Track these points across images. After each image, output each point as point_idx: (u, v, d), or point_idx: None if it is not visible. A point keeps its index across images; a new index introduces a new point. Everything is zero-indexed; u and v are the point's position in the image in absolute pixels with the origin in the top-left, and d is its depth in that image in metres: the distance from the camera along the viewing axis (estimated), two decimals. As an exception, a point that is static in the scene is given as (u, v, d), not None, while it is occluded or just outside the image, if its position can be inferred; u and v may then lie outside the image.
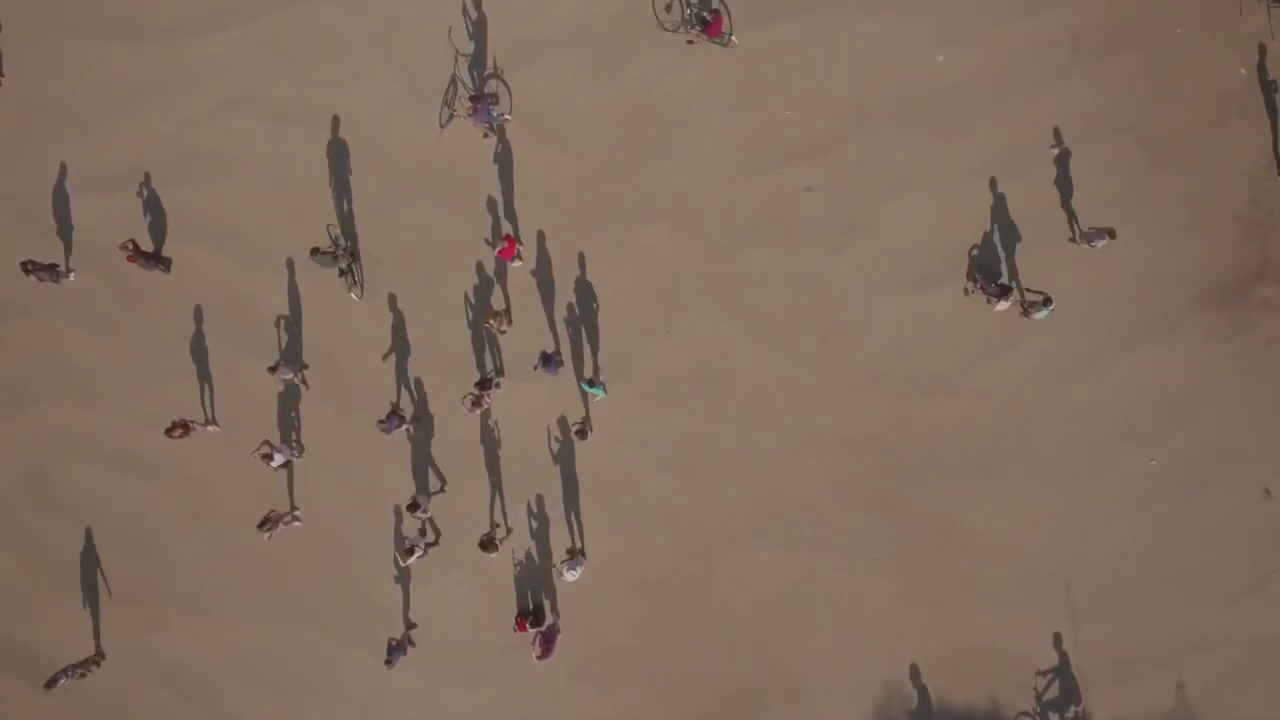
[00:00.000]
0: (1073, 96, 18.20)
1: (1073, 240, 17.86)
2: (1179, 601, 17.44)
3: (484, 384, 17.23)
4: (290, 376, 17.71)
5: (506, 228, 18.40)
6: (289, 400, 18.25)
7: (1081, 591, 17.51)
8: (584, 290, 18.32)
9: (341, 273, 18.10)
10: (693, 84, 18.54)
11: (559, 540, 17.91)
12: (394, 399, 18.11)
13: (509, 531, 17.81)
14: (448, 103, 18.64)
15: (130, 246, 17.63)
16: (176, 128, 18.87)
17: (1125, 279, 17.92)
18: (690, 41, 18.43)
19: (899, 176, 18.18)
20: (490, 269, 18.41)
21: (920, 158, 18.19)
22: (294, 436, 18.15)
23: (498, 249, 17.65)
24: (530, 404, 18.08)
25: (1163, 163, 18.07)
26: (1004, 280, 17.78)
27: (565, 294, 18.32)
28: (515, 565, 17.94)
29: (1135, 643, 17.41)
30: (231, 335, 18.48)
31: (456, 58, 18.76)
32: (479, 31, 18.78)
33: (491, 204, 18.49)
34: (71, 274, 18.63)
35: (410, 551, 16.99)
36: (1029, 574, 17.58)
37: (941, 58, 18.37)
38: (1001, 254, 17.96)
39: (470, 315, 18.35)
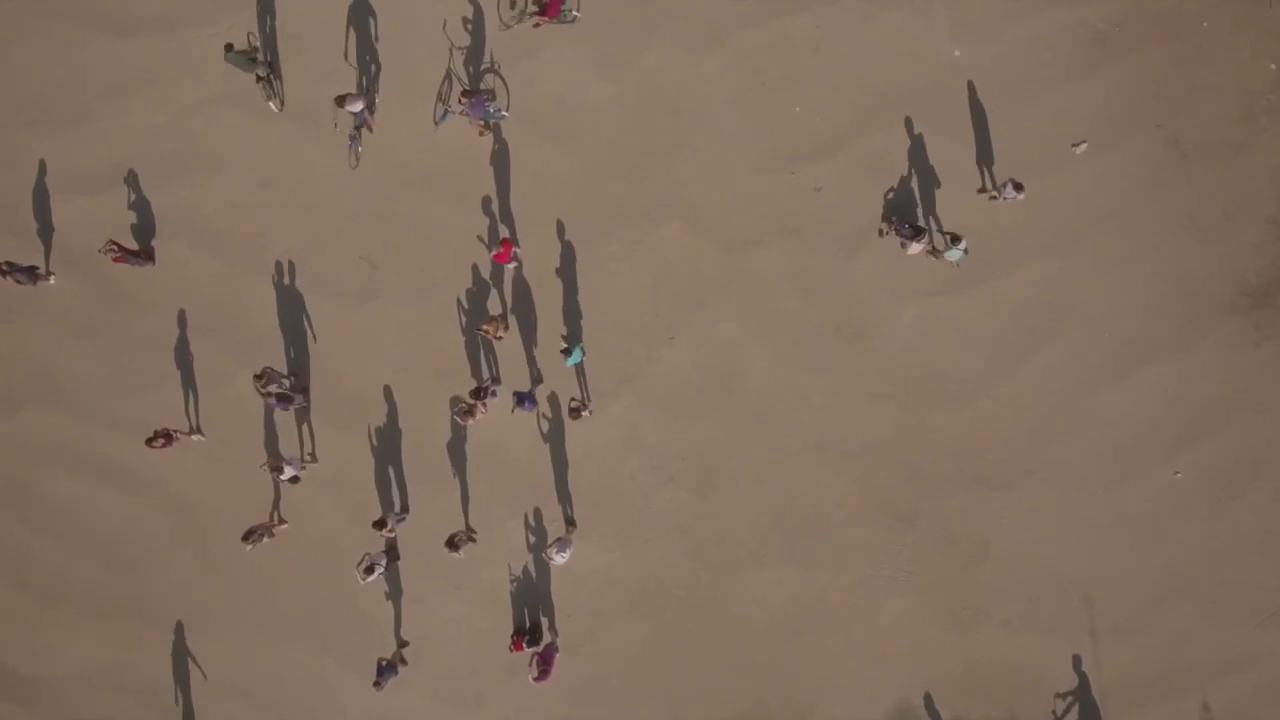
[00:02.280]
0: (1096, 93, 17.59)
1: (982, 191, 17.34)
2: (1205, 619, 16.92)
3: (478, 393, 16.51)
4: (275, 388, 16.95)
5: (504, 231, 17.74)
6: (280, 412, 17.64)
7: (1103, 609, 17.00)
8: (588, 293, 17.66)
9: (259, 79, 17.69)
10: (704, 78, 17.86)
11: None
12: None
13: (469, 531, 17.22)
14: (442, 99, 17.99)
15: (115, 248, 17.12)
16: (163, 123, 18.28)
17: (1149, 282, 17.34)
18: (535, 25, 17.73)
19: (917, 175, 17.54)
20: (486, 272, 17.75)
21: (939, 156, 17.55)
22: (310, 450, 17.60)
23: (493, 254, 16.97)
24: (531, 412, 17.44)
25: (1189, 161, 17.48)
26: (918, 222, 17.30)
27: (568, 297, 17.67)
28: (512, 581, 17.34)
29: (1159, 662, 16.90)
30: (220, 340, 17.92)
31: (451, 52, 18.12)
32: (476, 25, 18.12)
33: (488, 203, 17.86)
34: (52, 277, 18.04)
35: (370, 570, 16.28)
36: (1048, 590, 17.06)
37: (958, 52, 17.74)
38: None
39: (464, 321, 17.70)
